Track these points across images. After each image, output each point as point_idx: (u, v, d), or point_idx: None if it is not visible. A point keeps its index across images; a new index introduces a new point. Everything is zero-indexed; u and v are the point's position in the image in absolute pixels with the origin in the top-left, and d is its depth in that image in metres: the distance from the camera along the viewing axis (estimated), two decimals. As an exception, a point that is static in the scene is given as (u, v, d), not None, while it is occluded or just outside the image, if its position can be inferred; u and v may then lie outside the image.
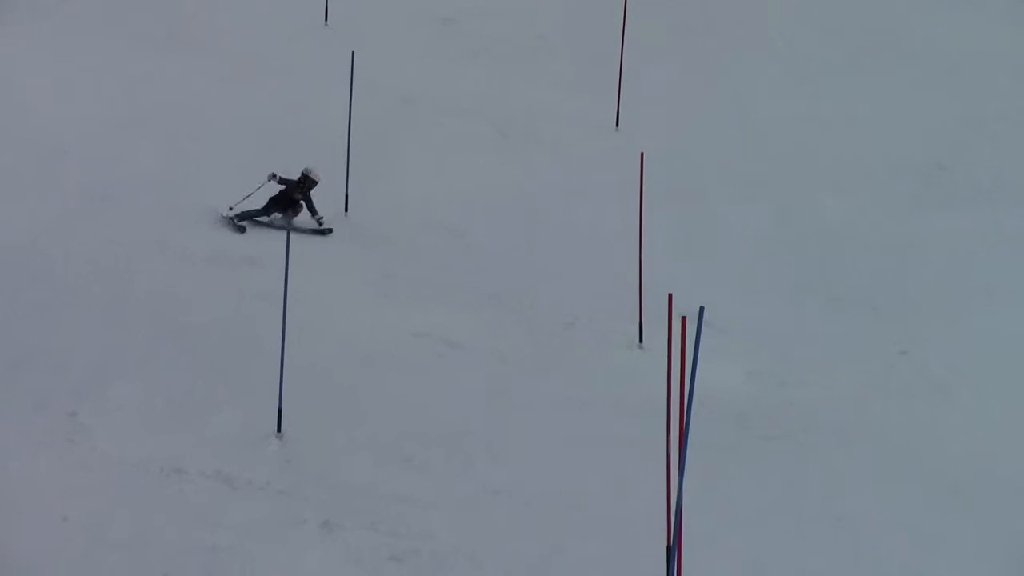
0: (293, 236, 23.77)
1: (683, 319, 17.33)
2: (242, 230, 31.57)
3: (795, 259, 33.20)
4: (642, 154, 28.93)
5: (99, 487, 20.83)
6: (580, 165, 36.25)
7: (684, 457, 17.46)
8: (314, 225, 32.16)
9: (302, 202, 32.01)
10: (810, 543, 21.64)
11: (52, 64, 38.48)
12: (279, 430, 23.33)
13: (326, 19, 44.61)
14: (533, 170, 36.62)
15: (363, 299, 29.30)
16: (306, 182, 31.92)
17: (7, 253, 29.15)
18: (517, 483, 22.51)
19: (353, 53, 32.48)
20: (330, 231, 32.24)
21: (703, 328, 16.97)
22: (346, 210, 33.25)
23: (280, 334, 23.44)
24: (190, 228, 31.56)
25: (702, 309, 17.03)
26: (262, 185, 31.24)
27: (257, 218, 31.82)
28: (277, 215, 31.89)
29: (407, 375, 26.27)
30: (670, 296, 18.02)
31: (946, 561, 21.71)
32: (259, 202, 31.97)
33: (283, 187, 31.92)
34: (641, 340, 27.85)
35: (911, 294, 31.86)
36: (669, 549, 17.76)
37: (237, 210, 31.77)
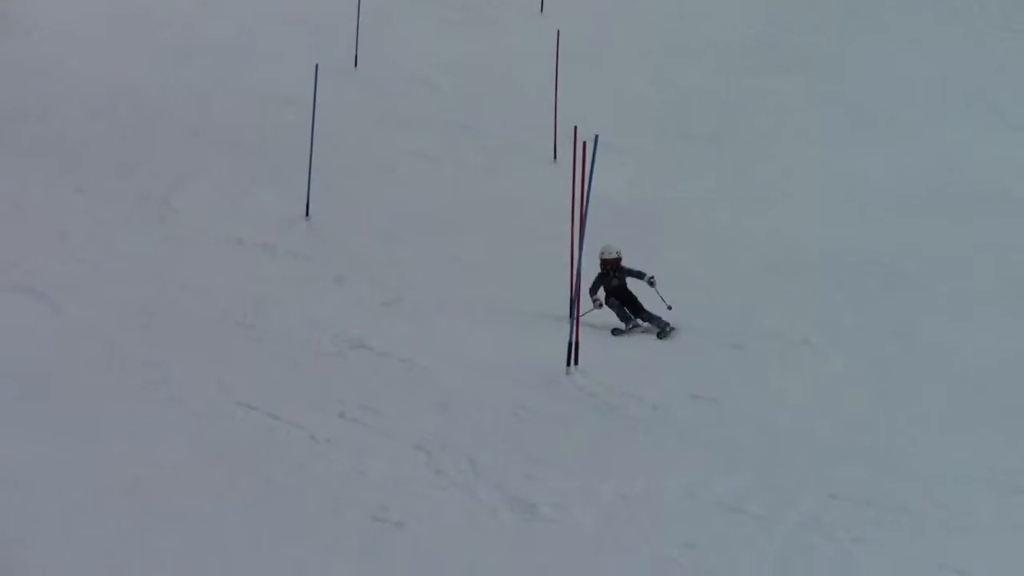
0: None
1: (584, 143, 17.17)
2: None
3: (663, 109, 32.94)
4: (558, 31, 29.28)
5: (184, 252, 20.62)
6: (517, 38, 35.70)
7: (583, 240, 17.33)
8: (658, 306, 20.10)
9: (621, 280, 20.12)
10: (672, 300, 21.49)
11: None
12: (307, 214, 23.09)
13: None
14: (484, 43, 36.18)
15: (367, 128, 29.19)
16: (606, 264, 19.92)
17: (118, 94, 28.89)
18: (470, 253, 22.39)
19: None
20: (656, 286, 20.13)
21: (598, 150, 16.87)
22: (355, 64, 33.12)
23: (309, 145, 23.21)
24: (255, 77, 31.46)
25: (596, 137, 16.94)
26: (588, 311, 18.92)
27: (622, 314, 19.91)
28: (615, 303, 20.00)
29: (397, 180, 26.23)
30: (575, 127, 17.78)
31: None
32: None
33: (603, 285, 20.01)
34: (555, 158, 27.64)
35: (747, 135, 31.62)
36: (571, 300, 17.61)
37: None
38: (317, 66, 23.90)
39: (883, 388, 18.38)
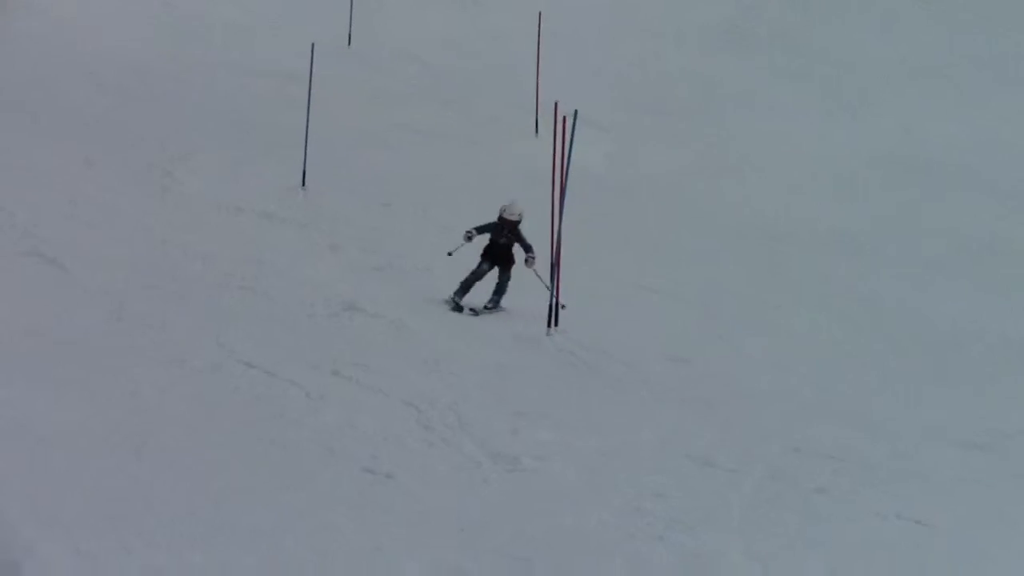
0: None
1: (564, 118, 17.19)
2: (460, 309, 18.06)
3: (641, 86, 33.07)
4: (540, 12, 29.47)
5: (187, 219, 20.54)
6: (504, 18, 35.63)
7: (563, 209, 17.36)
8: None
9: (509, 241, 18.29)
10: (643, 266, 21.52)
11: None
12: (303, 185, 23.04)
13: None
14: (472, 22, 36.29)
15: (360, 103, 29.21)
16: (505, 222, 18.20)
17: (127, 71, 28.81)
18: (455, 220, 22.36)
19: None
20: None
21: (577, 124, 16.91)
22: (349, 43, 33.07)
23: (306, 120, 23.17)
24: (255, 55, 31.45)
25: (576, 112, 16.97)
26: (459, 247, 18.32)
27: (475, 280, 18.24)
28: (485, 267, 18.31)
29: (388, 152, 26.22)
30: (556, 103, 17.75)
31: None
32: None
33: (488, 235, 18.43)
34: (537, 131, 27.63)
35: (720, 111, 31.71)
36: (552, 265, 17.62)
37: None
38: (313, 45, 23.81)
39: (848, 349, 18.49)
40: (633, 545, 10.01)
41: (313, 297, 17.38)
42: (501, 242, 18.27)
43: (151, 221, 20.23)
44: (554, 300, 17.15)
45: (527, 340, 16.83)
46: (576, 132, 16.92)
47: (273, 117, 26.68)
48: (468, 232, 18.17)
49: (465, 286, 18.07)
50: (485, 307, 18.10)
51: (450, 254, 18.11)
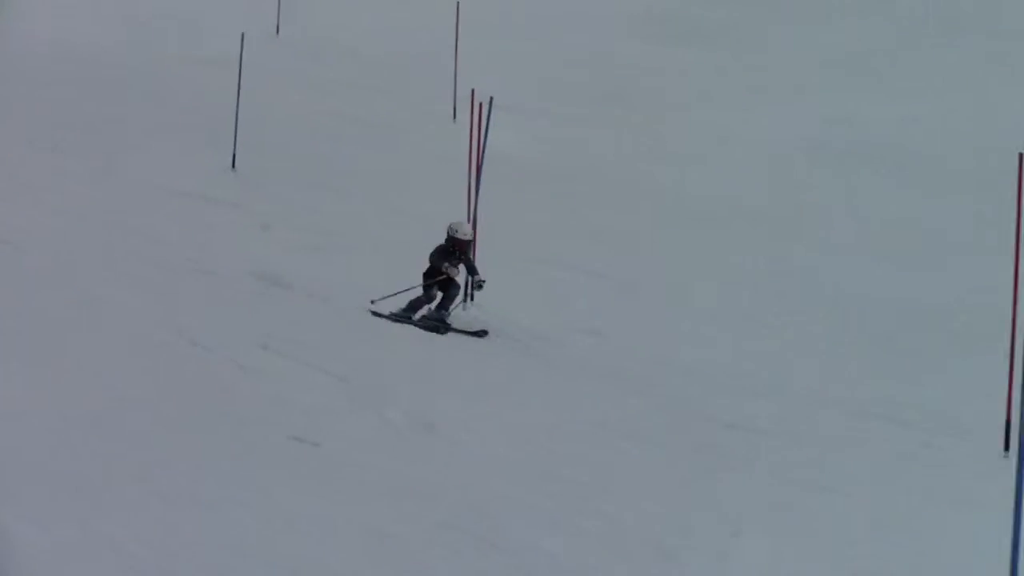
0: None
1: (480, 104, 17.42)
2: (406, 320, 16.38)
3: (570, 74, 33.24)
4: (458, 3, 29.83)
5: (134, 202, 20.49)
6: (428, 9, 35.65)
7: (479, 188, 17.61)
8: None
9: (459, 266, 16.61)
10: (566, 246, 21.75)
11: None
12: (233, 166, 23.20)
13: None
14: (397, 13, 36.52)
15: (289, 89, 29.33)
16: (458, 244, 16.54)
17: (88, 67, 28.73)
18: (380, 201, 22.63)
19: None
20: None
21: (493, 110, 17.15)
22: (277, 31, 33.11)
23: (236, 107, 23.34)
24: (194, 45, 31.46)
25: (492, 98, 17.20)
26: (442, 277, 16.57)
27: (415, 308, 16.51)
28: (436, 292, 16.59)
29: (315, 137, 26.43)
30: (472, 90, 18.00)
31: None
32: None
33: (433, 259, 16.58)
34: (455, 117, 27.82)
35: (650, 98, 31.99)
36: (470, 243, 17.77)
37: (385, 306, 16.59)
38: (243, 35, 23.91)
39: (766, 321, 18.87)
40: (562, 513, 10.07)
41: (247, 275, 17.45)
42: (444, 269, 16.40)
43: (101, 204, 20.19)
44: (472, 277, 17.16)
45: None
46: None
47: (209, 104, 26.64)
48: (444, 266, 16.29)
49: (413, 307, 16.48)
50: (439, 319, 16.45)
51: (373, 302, 16.41)
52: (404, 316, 16.32)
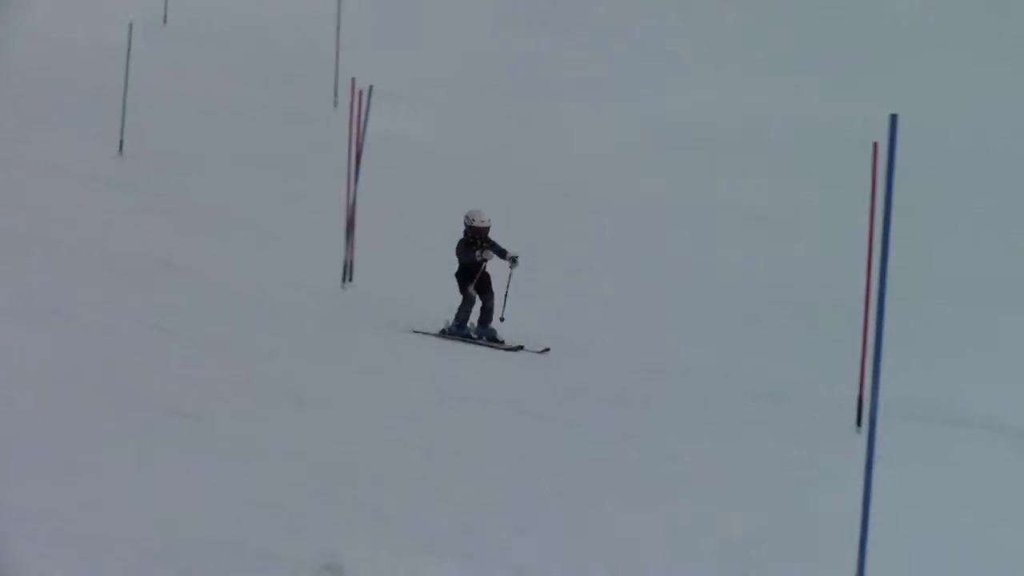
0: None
1: (361, 92, 17.50)
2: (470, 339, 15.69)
3: (456, 65, 33.31)
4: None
5: (43, 190, 20.14)
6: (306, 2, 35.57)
7: (358, 174, 17.64)
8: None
9: (486, 254, 15.56)
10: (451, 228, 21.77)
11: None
12: (120, 151, 23.20)
13: None
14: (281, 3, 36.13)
15: (176, 76, 29.10)
16: (476, 232, 15.67)
17: None
18: (265, 183, 22.48)
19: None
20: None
21: (373, 97, 17.23)
22: (165, 20, 32.71)
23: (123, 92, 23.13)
24: (82, 31, 31.03)
25: (371, 87, 17.29)
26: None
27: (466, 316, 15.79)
28: (473, 292, 15.70)
29: (202, 122, 26.32)
30: (353, 79, 18.06)
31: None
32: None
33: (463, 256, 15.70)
34: (336, 104, 27.82)
35: (533, 88, 32.24)
36: (348, 223, 17.80)
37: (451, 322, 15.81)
38: (131, 24, 23.78)
39: (649, 303, 19.19)
40: (470, 483, 10.10)
41: (137, 255, 17.30)
42: (476, 258, 15.53)
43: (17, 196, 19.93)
44: (348, 258, 17.24)
45: (325, 292, 17.15)
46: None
47: (99, 90, 26.39)
48: (477, 254, 15.47)
49: (463, 321, 15.74)
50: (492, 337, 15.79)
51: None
52: (461, 333, 15.68)
